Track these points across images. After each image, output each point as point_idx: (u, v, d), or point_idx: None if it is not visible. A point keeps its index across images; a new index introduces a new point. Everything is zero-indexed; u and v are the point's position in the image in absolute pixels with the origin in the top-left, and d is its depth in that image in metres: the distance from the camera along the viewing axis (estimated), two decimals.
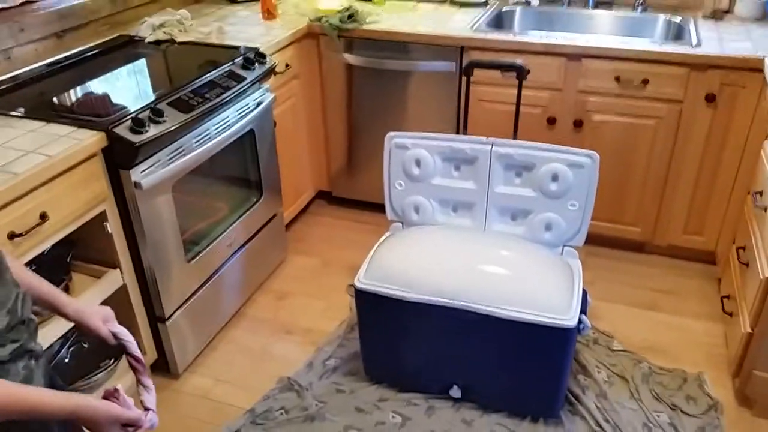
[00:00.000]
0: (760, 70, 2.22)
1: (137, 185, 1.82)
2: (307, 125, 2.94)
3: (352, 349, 2.28)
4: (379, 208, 3.01)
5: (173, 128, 1.89)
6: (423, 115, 2.78)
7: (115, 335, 1.23)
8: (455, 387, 2.05)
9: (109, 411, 1.02)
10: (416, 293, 1.89)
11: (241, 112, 2.24)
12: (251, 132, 2.35)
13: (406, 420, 2.02)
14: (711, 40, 2.39)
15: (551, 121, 2.57)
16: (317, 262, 2.81)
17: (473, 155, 2.06)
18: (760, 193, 2.04)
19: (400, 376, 2.12)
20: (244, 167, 2.43)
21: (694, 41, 2.38)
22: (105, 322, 1.22)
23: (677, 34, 2.64)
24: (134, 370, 1.23)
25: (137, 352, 1.24)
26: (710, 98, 2.33)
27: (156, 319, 2.10)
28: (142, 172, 1.84)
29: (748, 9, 2.58)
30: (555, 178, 2.00)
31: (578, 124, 2.54)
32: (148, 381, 1.22)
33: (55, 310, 1.19)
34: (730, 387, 2.11)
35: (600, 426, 1.97)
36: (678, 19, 2.67)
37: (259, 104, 2.33)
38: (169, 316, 2.10)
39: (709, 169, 2.47)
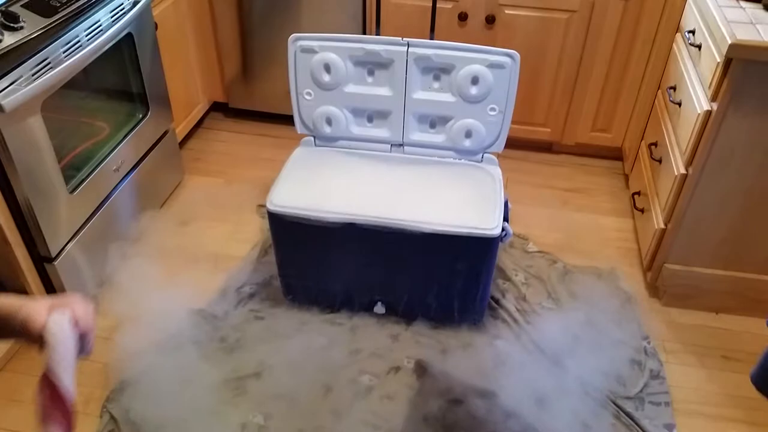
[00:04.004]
0: None
1: None
2: (193, 27, 2.60)
3: (268, 274, 2.14)
4: (282, 119, 2.80)
5: (34, 35, 1.59)
6: (324, 12, 2.52)
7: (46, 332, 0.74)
8: (379, 304, 1.99)
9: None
10: (337, 213, 1.76)
11: (115, 14, 1.93)
12: (129, 36, 2.05)
13: (332, 341, 1.95)
14: None
15: (462, 17, 2.41)
16: (219, 182, 2.58)
17: (388, 58, 1.88)
18: (674, 88, 2.03)
19: (321, 298, 2.02)
20: (124, 79, 2.13)
21: None
22: (50, 311, 0.77)
23: None
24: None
25: (66, 387, 0.73)
26: None
27: (42, 259, 1.85)
28: (1, 92, 1.53)
29: None
30: (475, 81, 1.88)
31: (490, 20, 2.40)
32: None
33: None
34: (641, 280, 2.19)
35: (522, 328, 2.00)
36: None
37: (135, 3, 2.01)
38: (57, 255, 1.86)
39: (619, 65, 2.44)
